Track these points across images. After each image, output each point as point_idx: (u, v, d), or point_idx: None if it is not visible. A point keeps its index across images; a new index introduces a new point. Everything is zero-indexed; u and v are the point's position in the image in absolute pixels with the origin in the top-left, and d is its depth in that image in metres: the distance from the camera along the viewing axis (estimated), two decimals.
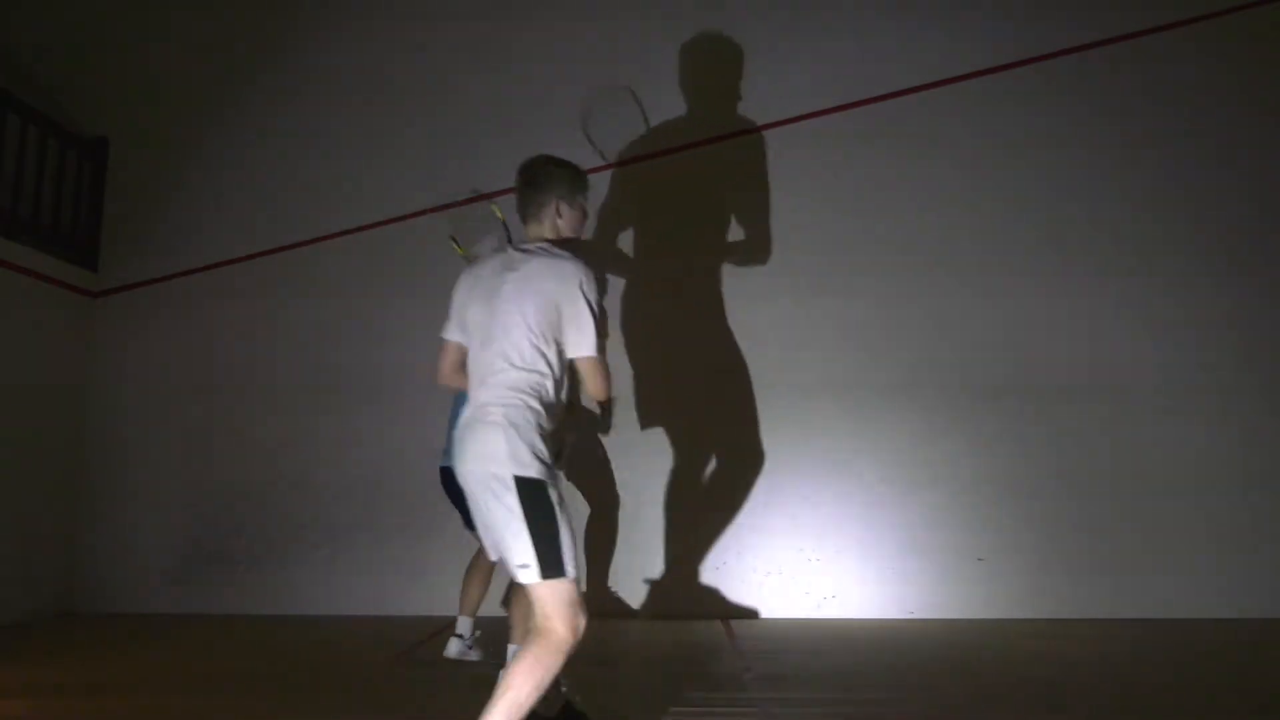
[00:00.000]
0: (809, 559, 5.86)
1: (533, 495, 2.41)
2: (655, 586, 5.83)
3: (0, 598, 5.39)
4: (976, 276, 6.05)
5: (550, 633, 2.40)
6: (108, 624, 5.55)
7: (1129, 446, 5.84)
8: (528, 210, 2.77)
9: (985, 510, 5.81)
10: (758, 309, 6.01)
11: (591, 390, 2.69)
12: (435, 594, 5.30)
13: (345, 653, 4.73)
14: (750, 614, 5.78)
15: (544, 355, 2.55)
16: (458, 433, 2.61)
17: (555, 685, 3.88)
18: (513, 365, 2.53)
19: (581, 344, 2.58)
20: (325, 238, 6.29)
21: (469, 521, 4.23)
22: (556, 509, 2.44)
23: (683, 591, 5.81)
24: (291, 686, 3.87)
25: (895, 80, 6.23)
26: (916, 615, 5.72)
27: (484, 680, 3.78)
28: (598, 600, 5.78)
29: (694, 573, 5.85)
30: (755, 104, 6.22)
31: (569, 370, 2.66)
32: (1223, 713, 3.44)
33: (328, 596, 5.88)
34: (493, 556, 2.65)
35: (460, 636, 4.32)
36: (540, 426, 2.50)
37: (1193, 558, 5.67)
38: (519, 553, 2.40)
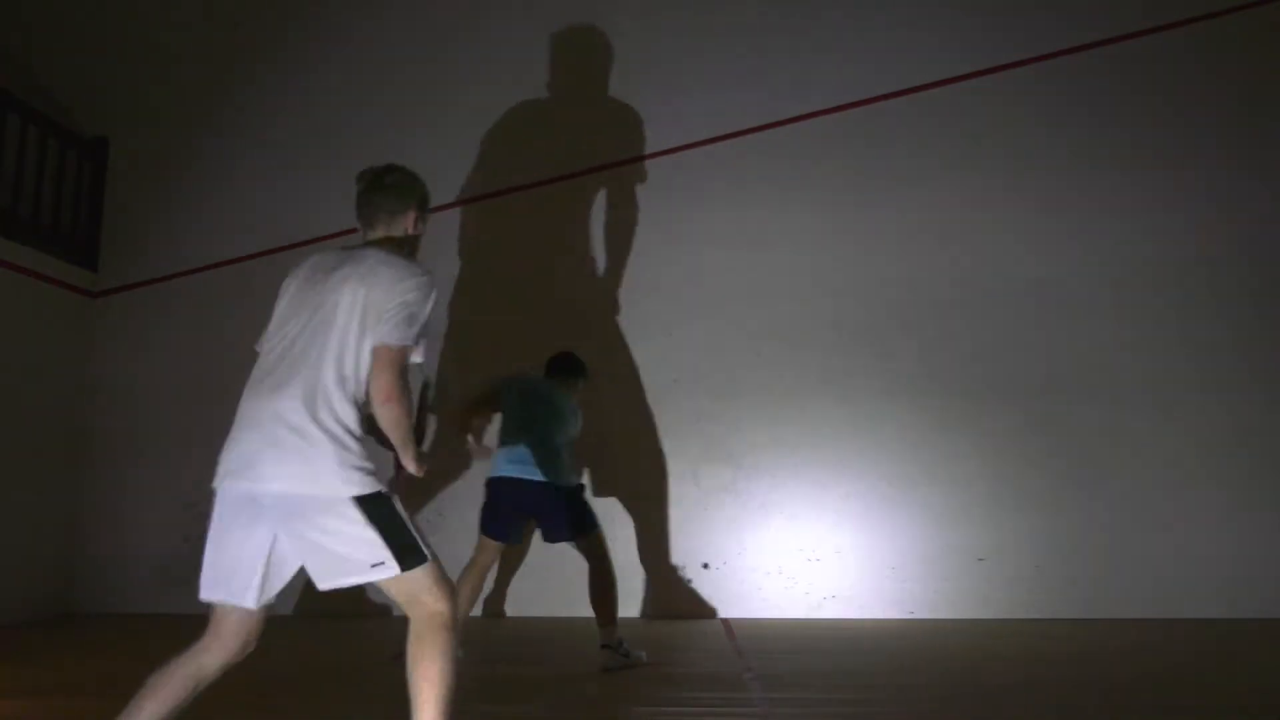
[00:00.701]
0: (809, 559, 5.86)
1: (374, 504, 2.25)
2: (655, 586, 5.84)
3: (0, 598, 5.39)
4: (977, 277, 6.05)
5: (434, 615, 2.28)
6: (108, 624, 5.55)
7: (1129, 446, 5.84)
8: (377, 215, 2.62)
9: (985, 510, 5.82)
10: (758, 310, 6.03)
11: (373, 386, 2.30)
12: None
13: (345, 653, 4.73)
14: (749, 614, 5.78)
15: (361, 354, 2.32)
16: (248, 444, 2.37)
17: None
18: (338, 363, 2.31)
19: (391, 333, 2.30)
20: (325, 237, 6.25)
21: (496, 531, 4.22)
22: (394, 503, 2.29)
23: (683, 591, 5.82)
24: (291, 687, 3.86)
25: (893, 79, 6.23)
26: (916, 615, 5.73)
27: (486, 680, 3.80)
28: None
29: (694, 573, 5.86)
30: (747, 106, 6.25)
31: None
32: (1223, 712, 3.44)
33: (327, 596, 5.82)
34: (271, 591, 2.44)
35: None
36: (357, 434, 2.30)
37: (1192, 557, 5.67)
38: (372, 555, 2.25)
